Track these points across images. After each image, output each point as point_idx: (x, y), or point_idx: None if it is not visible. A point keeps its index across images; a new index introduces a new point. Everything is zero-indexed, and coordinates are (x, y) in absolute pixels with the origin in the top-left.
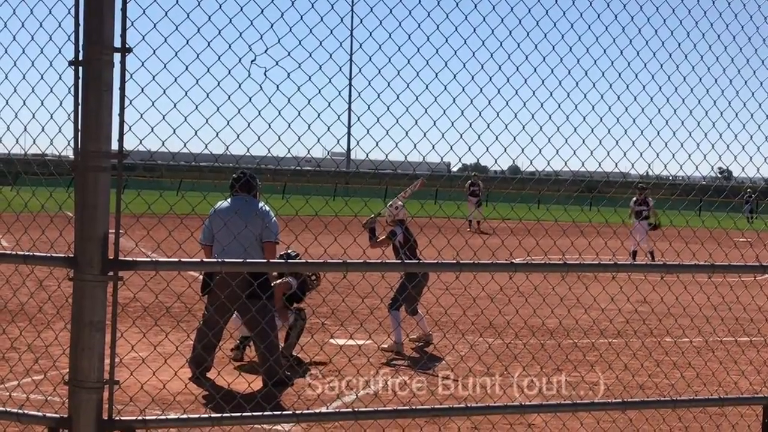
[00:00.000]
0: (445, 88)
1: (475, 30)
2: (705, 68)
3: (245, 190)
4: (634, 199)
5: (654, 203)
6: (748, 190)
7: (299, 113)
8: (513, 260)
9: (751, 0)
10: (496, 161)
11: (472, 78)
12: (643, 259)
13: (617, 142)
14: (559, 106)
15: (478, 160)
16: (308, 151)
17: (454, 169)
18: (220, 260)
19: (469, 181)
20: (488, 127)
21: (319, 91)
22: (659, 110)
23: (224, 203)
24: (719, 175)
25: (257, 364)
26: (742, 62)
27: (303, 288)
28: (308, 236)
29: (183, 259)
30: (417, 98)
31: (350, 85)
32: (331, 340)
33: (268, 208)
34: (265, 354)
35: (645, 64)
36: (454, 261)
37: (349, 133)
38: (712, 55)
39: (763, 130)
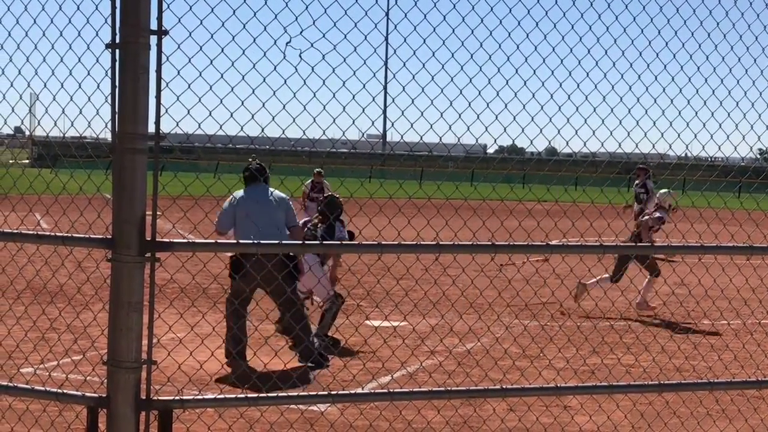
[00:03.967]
0: (480, 69)
1: (510, 10)
2: (744, 47)
3: (257, 179)
4: (636, 181)
5: (655, 188)
6: None
7: (334, 95)
8: (549, 242)
9: None
10: (531, 142)
11: (508, 59)
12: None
13: (654, 122)
14: (596, 87)
15: (513, 141)
16: (343, 132)
17: (490, 150)
18: (256, 242)
19: None
20: (524, 108)
21: (354, 73)
22: (697, 90)
23: (240, 193)
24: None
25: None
26: None
27: (351, 238)
28: (343, 218)
29: (219, 241)
30: (452, 79)
31: (386, 66)
32: (366, 322)
33: (282, 194)
34: (300, 335)
35: (683, 44)
36: (489, 243)
37: (384, 115)
38: (751, 34)
39: None
